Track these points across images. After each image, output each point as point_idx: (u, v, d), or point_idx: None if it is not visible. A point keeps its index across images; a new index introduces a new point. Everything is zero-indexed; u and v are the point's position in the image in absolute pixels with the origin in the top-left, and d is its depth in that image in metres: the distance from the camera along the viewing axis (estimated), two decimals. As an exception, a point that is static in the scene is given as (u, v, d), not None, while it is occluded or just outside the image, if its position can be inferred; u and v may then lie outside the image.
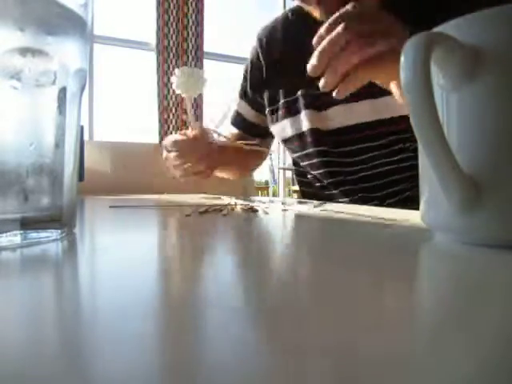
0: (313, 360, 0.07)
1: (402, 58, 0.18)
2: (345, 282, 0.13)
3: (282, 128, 0.68)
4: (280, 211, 0.38)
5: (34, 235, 0.19)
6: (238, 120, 0.78)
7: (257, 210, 0.39)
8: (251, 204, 0.45)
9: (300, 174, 0.73)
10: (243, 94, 0.76)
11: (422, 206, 0.22)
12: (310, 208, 0.38)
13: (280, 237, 0.25)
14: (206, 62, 3.32)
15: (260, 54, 0.72)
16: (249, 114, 0.76)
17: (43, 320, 0.10)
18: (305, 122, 0.63)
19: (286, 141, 0.69)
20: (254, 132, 0.76)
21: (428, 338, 0.09)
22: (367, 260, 0.17)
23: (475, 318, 0.10)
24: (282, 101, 0.67)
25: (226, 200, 0.50)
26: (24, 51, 0.18)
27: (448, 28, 0.19)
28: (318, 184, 0.68)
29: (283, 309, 0.10)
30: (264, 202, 0.49)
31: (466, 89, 0.18)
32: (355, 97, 0.55)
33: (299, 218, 0.34)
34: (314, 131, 0.62)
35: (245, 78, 0.76)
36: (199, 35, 3.33)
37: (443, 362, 0.07)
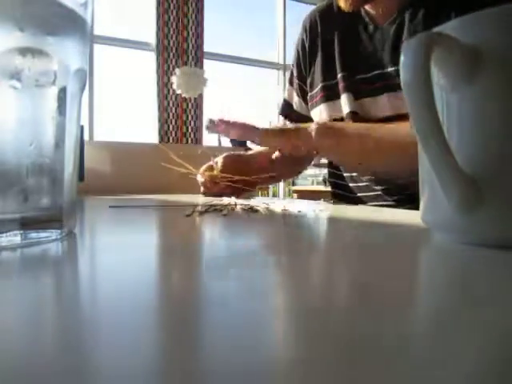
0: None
1: (402, 58, 0.18)
2: (345, 281, 0.13)
3: (319, 112, 0.69)
4: (280, 211, 0.38)
5: (33, 235, 0.19)
6: (286, 108, 0.78)
7: (257, 210, 0.39)
8: (251, 204, 0.45)
9: (333, 175, 0.74)
10: (291, 80, 0.78)
11: (422, 205, 0.22)
12: (310, 208, 0.38)
13: (280, 237, 0.25)
14: (206, 62, 3.32)
15: (305, 40, 0.73)
16: (295, 100, 0.77)
17: (43, 320, 0.10)
18: (344, 105, 0.63)
19: None
20: (299, 121, 0.75)
21: (428, 337, 0.09)
22: (367, 260, 0.17)
23: (475, 318, 0.10)
24: (320, 85, 0.68)
25: (226, 200, 0.50)
26: (24, 51, 0.18)
27: (448, 28, 0.19)
28: (351, 184, 0.69)
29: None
30: (264, 202, 0.49)
31: (465, 89, 0.18)
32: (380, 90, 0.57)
33: (299, 218, 0.34)
34: (353, 114, 0.62)
35: (293, 64, 0.78)
36: (199, 35, 3.33)
37: (443, 362, 0.07)
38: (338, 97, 0.65)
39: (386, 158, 0.54)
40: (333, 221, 0.33)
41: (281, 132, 0.58)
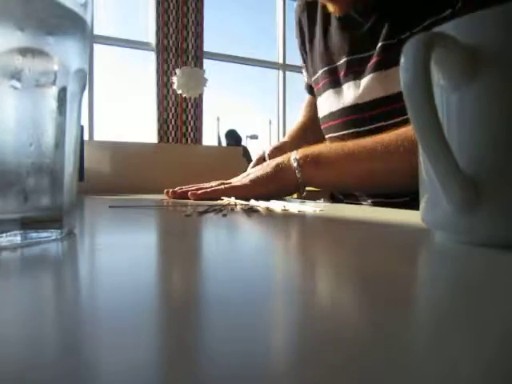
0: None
1: (402, 58, 0.18)
2: (343, 282, 0.14)
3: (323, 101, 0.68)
4: (280, 211, 0.38)
5: (33, 235, 0.19)
6: (309, 90, 0.80)
7: (257, 210, 0.39)
8: (251, 204, 0.45)
9: None
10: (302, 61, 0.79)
11: (422, 205, 0.22)
12: (310, 208, 0.38)
13: (279, 236, 0.25)
14: (205, 61, 3.32)
15: (302, 23, 0.74)
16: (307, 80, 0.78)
17: (43, 320, 0.10)
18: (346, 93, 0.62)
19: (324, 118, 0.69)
20: None
21: (427, 337, 0.09)
22: (367, 260, 0.17)
23: (475, 318, 0.10)
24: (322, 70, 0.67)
25: (226, 200, 0.50)
26: (24, 51, 0.18)
27: (448, 28, 0.19)
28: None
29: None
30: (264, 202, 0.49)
31: (466, 89, 0.18)
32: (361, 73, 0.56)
33: (299, 218, 0.34)
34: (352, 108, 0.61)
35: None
36: (199, 35, 3.33)
37: (443, 362, 0.07)
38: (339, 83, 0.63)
39: (382, 172, 0.50)
40: (332, 221, 0.33)
41: (268, 179, 0.55)
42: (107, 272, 0.15)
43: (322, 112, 0.69)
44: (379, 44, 0.56)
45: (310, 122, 0.79)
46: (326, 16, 0.65)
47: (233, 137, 3.85)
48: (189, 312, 0.10)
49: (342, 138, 0.62)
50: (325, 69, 0.66)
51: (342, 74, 0.62)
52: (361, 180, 0.53)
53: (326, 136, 0.69)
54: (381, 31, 0.55)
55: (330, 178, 0.53)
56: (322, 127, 0.70)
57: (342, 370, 0.07)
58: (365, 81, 0.58)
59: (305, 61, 0.77)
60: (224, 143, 3.85)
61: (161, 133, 3.20)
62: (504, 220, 0.17)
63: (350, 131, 0.62)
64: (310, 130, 0.79)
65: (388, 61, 0.54)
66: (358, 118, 0.60)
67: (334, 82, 0.64)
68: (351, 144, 0.52)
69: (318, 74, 0.69)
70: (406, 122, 0.52)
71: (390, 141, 0.48)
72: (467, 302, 0.11)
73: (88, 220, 0.35)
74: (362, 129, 0.60)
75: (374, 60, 0.57)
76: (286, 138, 0.81)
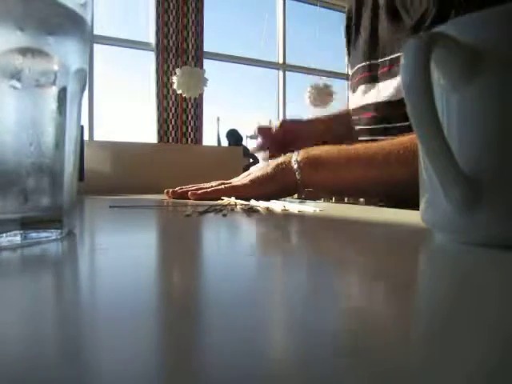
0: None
1: (402, 58, 0.18)
2: (343, 282, 0.14)
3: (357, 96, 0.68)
4: (280, 211, 0.38)
5: (33, 235, 0.19)
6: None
7: (257, 210, 0.39)
8: (251, 204, 0.45)
9: None
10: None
11: (422, 205, 0.22)
12: (310, 208, 0.38)
13: (279, 236, 0.25)
14: (205, 61, 3.32)
15: (352, 14, 0.73)
16: None
17: (43, 320, 0.10)
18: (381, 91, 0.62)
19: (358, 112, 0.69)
20: None
21: (427, 337, 0.09)
22: (367, 260, 0.17)
23: (475, 318, 0.10)
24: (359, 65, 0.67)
25: (226, 200, 0.50)
26: (24, 51, 0.18)
27: (448, 28, 0.19)
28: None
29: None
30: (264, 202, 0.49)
31: (466, 89, 0.18)
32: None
33: (299, 218, 0.34)
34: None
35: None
36: (199, 35, 3.33)
37: (442, 362, 0.07)
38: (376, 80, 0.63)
39: (384, 175, 0.50)
40: (332, 221, 0.33)
41: (268, 179, 0.55)
42: (107, 272, 0.15)
43: (355, 104, 0.68)
44: None
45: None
46: (375, 9, 0.65)
47: (234, 136, 3.85)
48: (189, 312, 0.10)
49: (371, 133, 0.62)
50: (366, 63, 0.65)
51: (381, 70, 0.62)
52: (358, 186, 0.53)
53: (357, 128, 0.68)
54: (421, 29, 0.55)
55: (328, 182, 0.54)
56: (353, 118, 0.69)
57: (342, 370, 0.07)
58: (398, 79, 0.58)
59: (349, 52, 0.75)
60: (224, 143, 3.85)
61: (161, 133, 3.20)
62: (504, 220, 0.17)
63: (379, 126, 0.62)
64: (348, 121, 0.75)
65: None
66: (390, 114, 0.60)
67: (372, 78, 0.64)
68: (353, 149, 0.52)
69: (357, 67, 0.68)
70: None
71: (392, 150, 0.48)
72: (467, 301, 0.11)
73: (88, 220, 0.35)
74: (390, 125, 0.60)
75: None
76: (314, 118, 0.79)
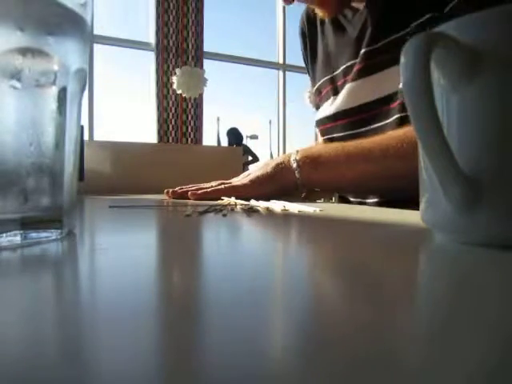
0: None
1: (402, 58, 0.18)
2: (343, 282, 0.13)
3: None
4: (280, 211, 0.38)
5: (33, 235, 0.19)
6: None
7: (257, 210, 0.39)
8: (251, 204, 0.45)
9: None
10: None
11: (422, 205, 0.22)
12: (310, 208, 0.38)
13: (279, 236, 0.25)
14: (205, 61, 3.32)
15: (305, 31, 0.76)
16: None
17: (43, 320, 0.10)
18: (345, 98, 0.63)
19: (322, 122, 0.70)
20: None
21: (427, 337, 0.09)
22: (367, 260, 0.17)
23: (475, 318, 0.10)
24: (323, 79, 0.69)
25: (226, 200, 0.50)
26: (24, 51, 0.18)
27: (448, 28, 0.19)
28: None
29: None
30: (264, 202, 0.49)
31: (466, 89, 0.18)
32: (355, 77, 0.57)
33: (299, 218, 0.34)
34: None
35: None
36: (199, 35, 3.33)
37: (442, 362, 0.07)
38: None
39: (382, 169, 0.50)
40: (332, 221, 0.33)
41: (268, 179, 0.56)
42: (107, 272, 0.15)
43: (320, 115, 0.70)
44: (362, 51, 0.57)
45: None
46: (322, 25, 0.68)
47: (234, 135, 3.85)
48: (189, 312, 0.10)
49: (340, 140, 0.63)
50: (326, 78, 0.68)
51: (340, 82, 0.64)
52: (358, 182, 0.53)
53: (324, 137, 0.69)
54: (364, 37, 0.57)
55: (328, 180, 0.54)
56: (320, 129, 0.70)
57: (342, 370, 0.07)
58: (349, 87, 0.60)
59: (309, 72, 0.77)
60: (225, 141, 3.85)
61: (161, 133, 3.20)
62: (504, 220, 0.17)
63: (348, 133, 0.63)
64: None
65: (371, 66, 0.56)
66: (352, 121, 0.61)
67: (334, 90, 0.66)
68: (350, 146, 0.52)
69: (319, 83, 0.70)
70: (402, 123, 0.53)
71: (389, 144, 0.48)
72: (467, 302, 0.11)
73: (88, 220, 0.35)
74: (356, 131, 0.61)
75: (357, 67, 0.58)
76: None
